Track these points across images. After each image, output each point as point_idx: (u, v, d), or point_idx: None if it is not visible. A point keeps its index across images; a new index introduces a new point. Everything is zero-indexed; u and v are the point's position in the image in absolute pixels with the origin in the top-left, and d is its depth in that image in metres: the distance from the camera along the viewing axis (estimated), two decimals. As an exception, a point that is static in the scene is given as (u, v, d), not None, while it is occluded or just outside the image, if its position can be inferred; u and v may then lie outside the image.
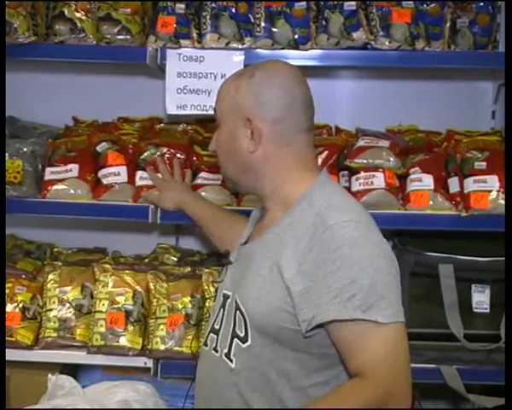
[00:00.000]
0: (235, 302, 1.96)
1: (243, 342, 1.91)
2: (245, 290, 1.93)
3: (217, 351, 1.99)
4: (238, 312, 1.93)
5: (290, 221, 1.89)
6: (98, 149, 2.82)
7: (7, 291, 2.71)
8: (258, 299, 1.87)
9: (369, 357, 1.74)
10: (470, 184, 2.63)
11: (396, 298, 1.79)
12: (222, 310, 2.03)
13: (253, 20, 2.67)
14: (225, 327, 1.98)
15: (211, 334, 2.06)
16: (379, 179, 2.67)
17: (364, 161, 2.70)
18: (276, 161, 1.95)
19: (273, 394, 1.87)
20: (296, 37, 2.64)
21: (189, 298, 2.67)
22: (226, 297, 2.03)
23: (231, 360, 1.93)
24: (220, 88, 2.06)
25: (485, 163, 2.66)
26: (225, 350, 1.95)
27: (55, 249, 3.09)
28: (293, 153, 1.95)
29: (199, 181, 2.76)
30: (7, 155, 2.72)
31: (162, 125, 3.07)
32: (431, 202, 2.65)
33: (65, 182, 2.74)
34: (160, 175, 2.71)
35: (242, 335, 1.91)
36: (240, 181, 2.05)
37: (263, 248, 1.94)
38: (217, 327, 2.02)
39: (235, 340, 1.93)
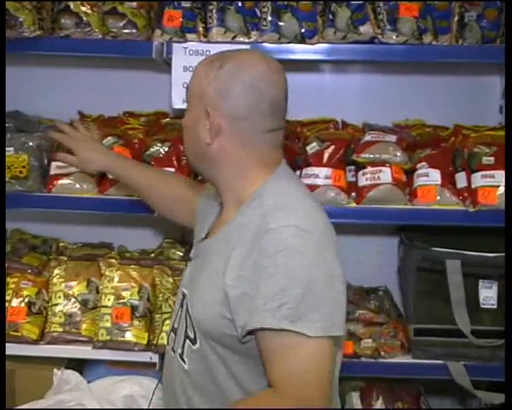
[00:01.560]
0: (187, 304, 1.93)
1: (193, 344, 1.88)
2: (194, 293, 1.89)
3: (174, 351, 1.97)
4: (188, 314, 1.91)
5: (241, 221, 1.83)
6: (104, 143, 2.81)
7: (12, 286, 2.71)
8: (204, 304, 1.83)
9: (285, 369, 1.66)
10: (478, 179, 2.62)
11: (330, 311, 1.68)
12: (180, 309, 1.98)
13: (259, 13, 2.65)
14: (181, 327, 1.95)
15: (171, 333, 2.03)
16: (386, 174, 2.66)
17: (371, 156, 2.69)
18: (233, 158, 1.87)
19: (223, 396, 1.83)
20: (303, 31, 2.62)
21: (194, 293, 2.66)
22: (184, 296, 1.98)
23: (184, 361, 1.90)
24: (196, 67, 1.96)
25: (492, 158, 2.65)
26: (179, 350, 1.93)
27: (61, 244, 3.09)
28: (252, 153, 1.87)
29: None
30: (12, 149, 2.72)
31: (168, 119, 3.06)
32: (438, 198, 2.64)
33: (70, 176, 2.74)
34: (71, 133, 2.49)
35: (192, 337, 1.88)
36: (198, 168, 1.99)
37: (216, 248, 1.89)
38: (175, 326, 1.99)
39: (187, 341, 1.90)
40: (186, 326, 1.91)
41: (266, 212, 1.76)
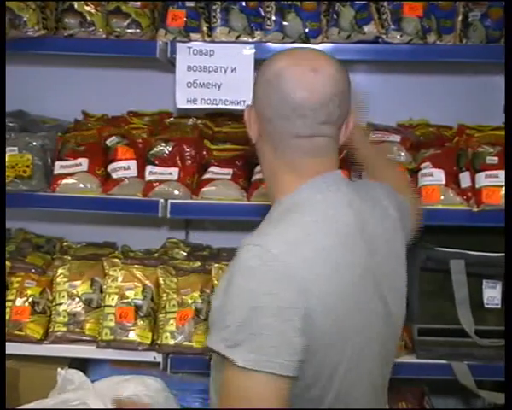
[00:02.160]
0: None
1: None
2: None
3: None
4: None
5: None
6: (108, 143, 2.82)
7: (16, 285, 2.71)
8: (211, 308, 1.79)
9: (222, 396, 1.60)
10: (482, 179, 2.61)
11: (272, 345, 1.53)
12: None
13: (263, 13, 2.66)
14: None
15: None
16: (390, 174, 2.65)
17: (375, 156, 2.68)
18: (267, 160, 1.79)
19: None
20: (307, 30, 2.62)
21: (198, 293, 2.67)
22: None
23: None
24: None
25: (496, 158, 2.65)
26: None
27: (65, 243, 3.10)
28: (282, 157, 1.74)
29: (209, 175, 2.74)
30: (16, 149, 2.72)
31: (172, 119, 3.07)
32: (442, 197, 2.64)
33: (74, 176, 2.74)
34: None
35: None
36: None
37: None
38: None
39: None
40: None
41: (262, 225, 1.70)
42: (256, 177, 2.73)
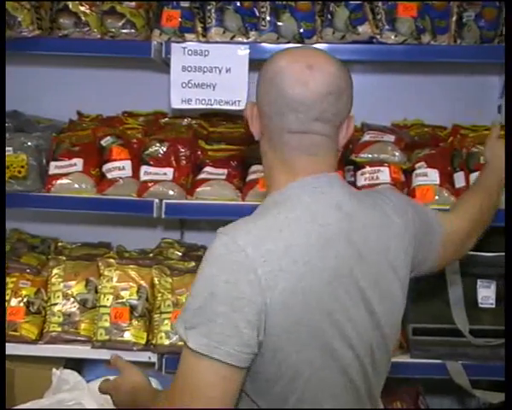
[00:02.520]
0: None
1: None
2: None
3: None
4: None
5: None
6: (103, 143, 2.82)
7: (11, 286, 2.71)
8: None
9: (175, 374, 1.65)
10: (476, 179, 2.62)
11: (222, 332, 1.57)
12: None
13: (258, 13, 2.66)
14: None
15: None
16: (384, 174, 2.66)
17: (370, 156, 2.69)
18: (267, 159, 1.80)
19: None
20: (301, 31, 2.62)
21: (193, 293, 2.67)
22: None
23: None
24: None
25: (491, 158, 2.65)
26: None
27: (60, 244, 3.09)
28: (277, 153, 1.75)
29: (203, 176, 2.74)
30: (11, 149, 2.72)
31: (167, 119, 3.07)
32: (436, 197, 2.64)
33: (69, 176, 2.74)
34: None
35: None
36: None
37: None
38: None
39: None
40: None
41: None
42: (251, 177, 2.73)
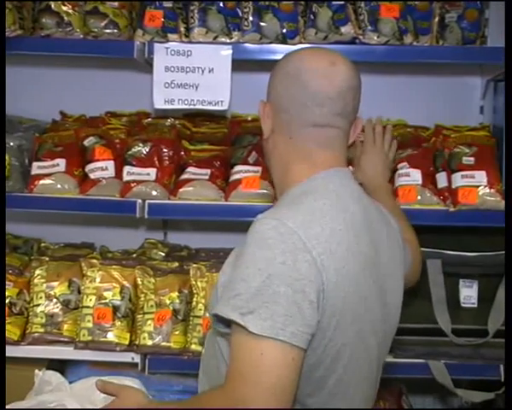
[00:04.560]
0: None
1: (210, 327, 1.88)
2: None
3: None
4: None
5: None
6: (85, 143, 2.81)
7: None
8: (215, 286, 1.81)
9: (232, 365, 1.59)
10: (458, 180, 2.63)
11: (286, 314, 1.55)
12: None
13: (240, 14, 2.66)
14: None
15: None
16: (367, 174, 2.66)
17: (352, 156, 2.69)
18: (280, 152, 1.84)
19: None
20: (284, 31, 2.63)
21: (176, 293, 2.67)
22: None
23: (203, 347, 1.95)
24: None
25: (473, 158, 2.67)
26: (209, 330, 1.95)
27: (42, 244, 3.09)
28: (296, 147, 1.80)
29: (186, 176, 2.74)
30: (-8, 149, 2.71)
31: (150, 119, 3.06)
32: (419, 197, 2.65)
33: (52, 177, 2.73)
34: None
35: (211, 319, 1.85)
36: (266, 164, 1.97)
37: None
38: None
39: (212, 322, 1.87)
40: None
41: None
42: (234, 177, 2.73)
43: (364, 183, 2.37)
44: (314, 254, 1.61)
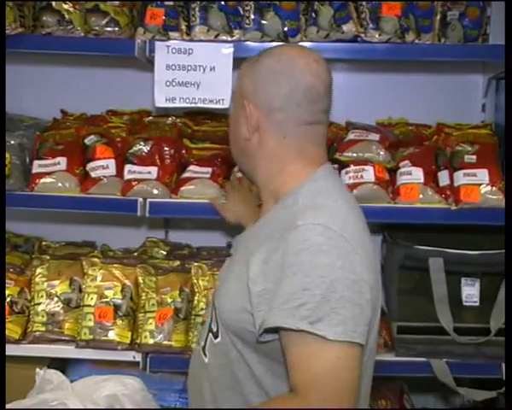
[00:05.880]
0: (213, 297, 1.93)
1: (215, 338, 1.86)
2: (221, 286, 1.89)
3: (199, 344, 1.97)
4: (213, 306, 1.90)
5: (273, 217, 1.79)
6: (86, 141, 2.81)
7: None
8: (227, 295, 1.80)
9: (305, 373, 1.59)
10: (460, 178, 2.63)
11: (353, 316, 1.60)
12: (212, 304, 1.96)
13: (242, 12, 2.65)
14: (207, 320, 1.95)
15: (202, 327, 2.03)
16: (369, 173, 2.66)
17: (354, 155, 2.69)
18: (271, 152, 1.83)
19: (241, 395, 1.80)
20: (285, 29, 2.63)
21: (177, 292, 2.66)
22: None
23: (205, 355, 1.89)
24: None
25: (475, 156, 2.66)
26: (202, 344, 1.92)
27: (44, 243, 3.08)
28: (290, 146, 1.81)
29: (188, 174, 2.74)
30: (-7, 147, 2.71)
31: (151, 117, 3.06)
32: (421, 196, 2.65)
33: (53, 175, 2.73)
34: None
35: (215, 330, 1.86)
36: (240, 163, 1.97)
37: (245, 242, 1.90)
38: (206, 320, 1.99)
39: (210, 334, 1.89)
40: (211, 320, 1.90)
41: (299, 210, 1.71)
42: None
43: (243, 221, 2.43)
44: (359, 253, 1.66)
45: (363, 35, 2.63)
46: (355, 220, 1.76)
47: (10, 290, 2.70)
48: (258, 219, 1.91)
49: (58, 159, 2.75)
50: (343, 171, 2.69)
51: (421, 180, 2.67)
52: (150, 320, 2.63)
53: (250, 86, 1.84)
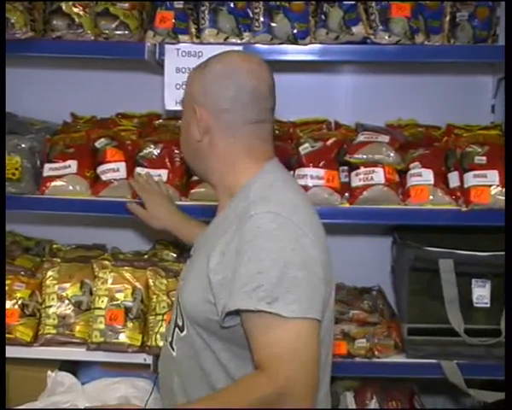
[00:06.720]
0: (178, 293, 2.02)
1: (181, 331, 1.93)
2: (185, 282, 1.96)
3: (166, 340, 2.04)
4: (177, 302, 1.98)
5: (228, 212, 1.90)
6: (97, 145, 2.81)
7: (5, 288, 2.70)
8: (190, 290, 1.89)
9: (267, 350, 1.67)
10: (470, 179, 2.62)
11: (307, 294, 1.70)
12: (176, 301, 2.04)
13: (251, 14, 2.66)
14: (173, 316, 2.02)
15: (168, 324, 2.10)
16: (379, 175, 2.66)
17: (364, 157, 2.69)
18: (222, 152, 1.93)
19: (208, 383, 1.86)
20: (295, 31, 2.63)
21: (188, 294, 2.66)
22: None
23: (173, 349, 1.96)
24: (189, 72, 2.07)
25: (485, 157, 2.66)
26: (169, 339, 1.99)
27: (54, 246, 3.08)
28: (239, 144, 1.92)
29: (196, 178, 2.74)
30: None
31: (161, 120, 3.07)
32: (431, 197, 2.64)
33: (63, 178, 2.74)
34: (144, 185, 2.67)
35: (180, 324, 1.93)
36: (192, 165, 2.06)
37: (204, 239, 1.97)
38: (172, 317, 2.06)
39: (176, 329, 1.96)
40: (176, 315, 1.97)
41: (250, 202, 1.81)
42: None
43: (169, 227, 2.57)
44: (310, 236, 1.78)
45: (372, 37, 2.63)
46: (304, 207, 1.87)
47: (21, 293, 2.71)
48: (216, 216, 2.01)
49: (69, 162, 2.76)
50: (353, 173, 2.70)
51: (432, 182, 2.66)
52: (161, 323, 2.63)
53: (199, 90, 1.94)
